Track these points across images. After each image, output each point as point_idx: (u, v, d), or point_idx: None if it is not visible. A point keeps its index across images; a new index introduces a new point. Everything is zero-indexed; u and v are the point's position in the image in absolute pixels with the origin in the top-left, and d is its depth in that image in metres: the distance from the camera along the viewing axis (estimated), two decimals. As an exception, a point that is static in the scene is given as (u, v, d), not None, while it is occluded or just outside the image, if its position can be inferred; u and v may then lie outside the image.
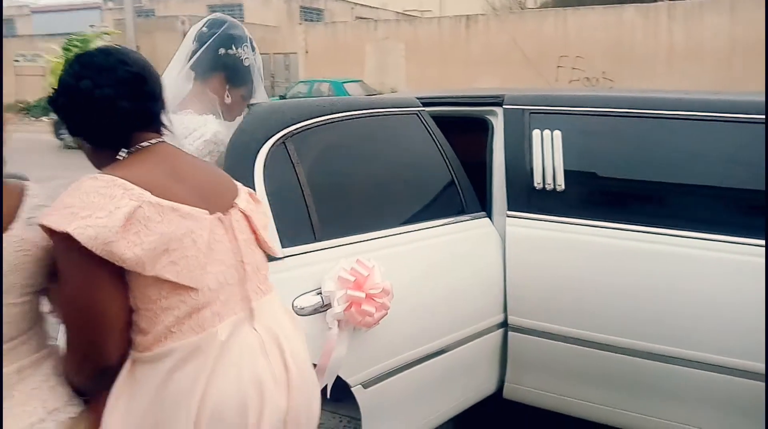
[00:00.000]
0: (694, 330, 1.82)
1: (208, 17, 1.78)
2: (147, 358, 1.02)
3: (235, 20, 1.78)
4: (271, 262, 1.49)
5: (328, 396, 1.54)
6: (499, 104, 2.33)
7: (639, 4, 14.93)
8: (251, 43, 1.77)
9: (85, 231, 0.92)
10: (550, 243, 2.07)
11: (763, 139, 1.86)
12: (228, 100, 1.77)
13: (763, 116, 1.86)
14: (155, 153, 1.10)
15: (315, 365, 1.52)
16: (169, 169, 1.08)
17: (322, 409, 1.24)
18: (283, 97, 16.81)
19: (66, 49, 1.30)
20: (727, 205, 1.95)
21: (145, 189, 0.99)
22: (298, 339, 1.19)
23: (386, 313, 1.56)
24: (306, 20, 24.89)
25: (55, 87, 1.09)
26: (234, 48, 1.72)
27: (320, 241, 1.64)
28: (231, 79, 1.75)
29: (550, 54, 15.34)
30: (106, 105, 1.05)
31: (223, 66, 1.73)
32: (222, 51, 1.71)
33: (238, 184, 1.22)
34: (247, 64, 1.74)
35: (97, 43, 1.28)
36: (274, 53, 19.82)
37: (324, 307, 1.51)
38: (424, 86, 15.06)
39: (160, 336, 1.01)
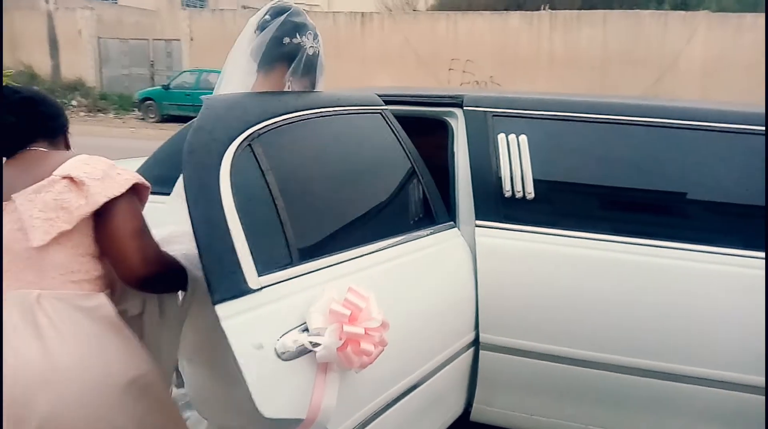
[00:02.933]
0: (674, 343, 1.78)
1: (270, 5, 1.64)
2: None
3: (297, 7, 1.64)
4: (247, 296, 1.20)
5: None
6: (459, 105, 2.18)
7: (524, 12, 15.74)
8: (315, 31, 1.63)
9: None
10: (523, 254, 1.95)
11: (731, 147, 1.88)
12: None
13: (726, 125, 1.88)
14: (15, 158, 1.34)
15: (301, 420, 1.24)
16: (8, 169, 1.31)
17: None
18: (166, 87, 15.57)
19: None
20: (700, 214, 1.95)
21: None
22: (17, 346, 1.18)
23: (383, 350, 1.32)
24: (188, 6, 23.36)
25: None
26: (298, 36, 1.59)
27: (297, 264, 1.35)
28: (295, 69, 1.60)
29: (441, 56, 15.67)
30: None
31: (288, 55, 1.60)
32: (287, 40, 1.59)
33: (61, 172, 1.27)
34: (311, 53, 1.62)
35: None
36: (154, 39, 18.35)
37: (314, 348, 1.23)
38: (320, 82, 14.70)
39: None
